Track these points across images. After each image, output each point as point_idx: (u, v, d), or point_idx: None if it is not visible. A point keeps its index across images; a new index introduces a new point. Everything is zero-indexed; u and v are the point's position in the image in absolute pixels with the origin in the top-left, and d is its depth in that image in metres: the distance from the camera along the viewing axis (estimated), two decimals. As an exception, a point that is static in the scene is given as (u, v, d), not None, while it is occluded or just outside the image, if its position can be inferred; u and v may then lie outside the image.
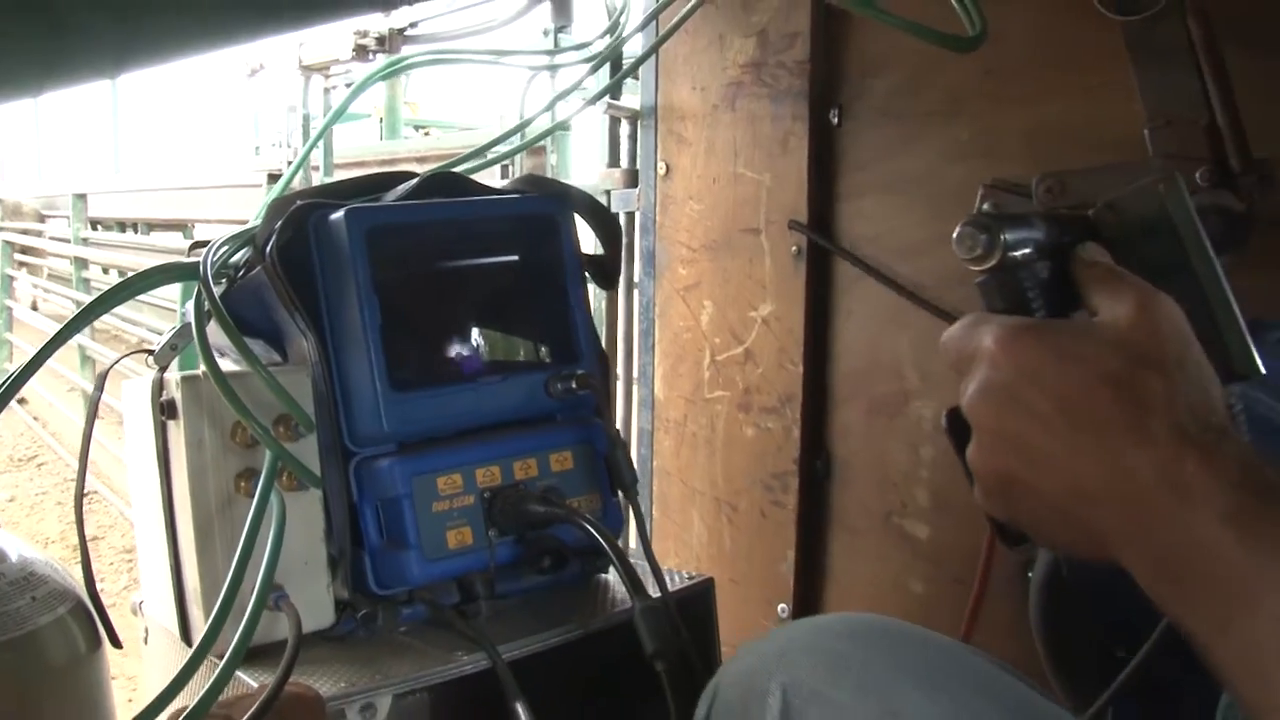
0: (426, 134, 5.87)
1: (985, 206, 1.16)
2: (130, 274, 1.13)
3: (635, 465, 1.79)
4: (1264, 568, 0.55)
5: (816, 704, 0.75)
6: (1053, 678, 1.23)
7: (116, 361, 1.18)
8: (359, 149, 4.84)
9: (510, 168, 3.84)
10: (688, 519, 1.70)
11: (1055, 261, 0.72)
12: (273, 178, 4.59)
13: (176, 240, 6.66)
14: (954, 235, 0.70)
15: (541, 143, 2.61)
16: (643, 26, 1.62)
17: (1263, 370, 0.72)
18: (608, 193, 1.82)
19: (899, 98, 1.42)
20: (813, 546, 1.58)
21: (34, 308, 7.94)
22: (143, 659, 1.23)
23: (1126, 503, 0.60)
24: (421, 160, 4.19)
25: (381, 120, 5.84)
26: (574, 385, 1.16)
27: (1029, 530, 0.68)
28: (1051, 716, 0.77)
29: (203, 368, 1.04)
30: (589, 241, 1.32)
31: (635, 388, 1.80)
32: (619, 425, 1.85)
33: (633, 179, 1.77)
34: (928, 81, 1.39)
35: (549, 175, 2.69)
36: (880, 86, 1.44)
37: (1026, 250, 0.71)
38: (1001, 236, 0.69)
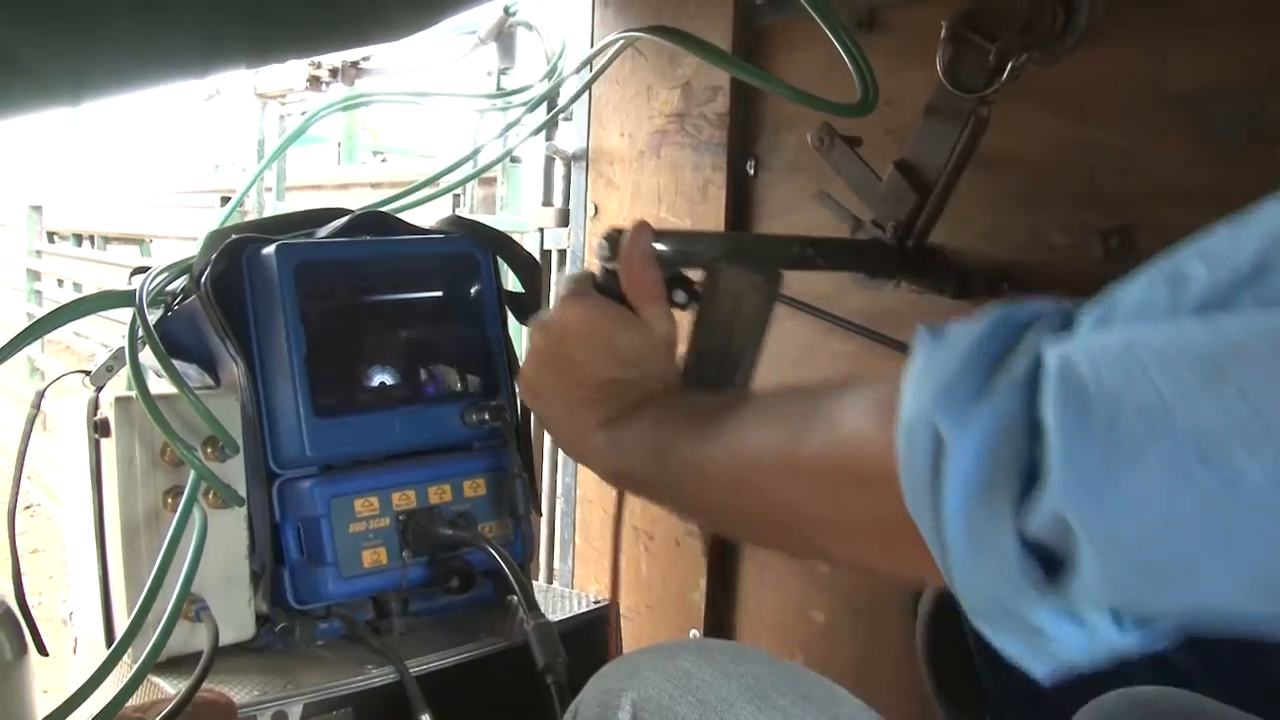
0: (384, 160, 5.90)
1: None
2: (79, 295, 1.18)
3: (560, 493, 1.85)
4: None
5: (660, 717, 0.80)
6: (936, 701, 1.30)
7: (52, 383, 1.23)
8: (316, 174, 4.87)
9: (461, 197, 3.91)
10: (608, 546, 1.76)
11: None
12: (225, 200, 4.62)
13: (134, 255, 6.64)
14: (596, 242, 0.93)
15: (493, 175, 2.69)
16: (576, 70, 1.68)
17: None
18: (541, 230, 1.89)
19: (808, 153, 1.44)
20: (724, 575, 1.63)
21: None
22: (72, 669, 1.26)
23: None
24: (376, 186, 4.24)
25: (340, 145, 5.87)
26: (487, 416, 1.22)
27: (547, 424, 0.95)
28: None
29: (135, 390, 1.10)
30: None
31: (562, 418, 1.85)
32: (546, 455, 1.91)
33: (565, 218, 1.83)
34: (835, 139, 1.44)
35: (498, 206, 2.76)
36: (792, 141, 1.50)
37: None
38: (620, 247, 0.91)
